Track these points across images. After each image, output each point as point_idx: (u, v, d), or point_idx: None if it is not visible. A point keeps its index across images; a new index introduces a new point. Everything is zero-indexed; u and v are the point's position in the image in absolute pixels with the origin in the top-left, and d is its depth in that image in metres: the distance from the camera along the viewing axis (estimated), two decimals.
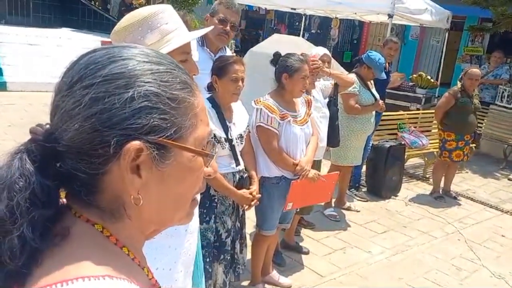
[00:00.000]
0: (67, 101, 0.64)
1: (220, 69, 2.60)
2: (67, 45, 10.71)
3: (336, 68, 5.30)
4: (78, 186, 0.65)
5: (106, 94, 0.62)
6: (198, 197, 0.79)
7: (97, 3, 15.15)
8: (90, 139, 0.62)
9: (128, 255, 0.68)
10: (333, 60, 4.43)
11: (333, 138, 4.01)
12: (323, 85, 3.94)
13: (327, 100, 3.94)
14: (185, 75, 0.70)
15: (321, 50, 3.96)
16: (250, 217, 3.47)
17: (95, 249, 0.64)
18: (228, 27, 2.90)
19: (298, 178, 3.04)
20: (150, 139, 0.63)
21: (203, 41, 2.93)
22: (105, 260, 0.62)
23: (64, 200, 0.68)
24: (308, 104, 3.22)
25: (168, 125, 0.65)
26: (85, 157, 0.63)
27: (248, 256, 3.27)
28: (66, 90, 0.65)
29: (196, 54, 2.71)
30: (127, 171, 0.63)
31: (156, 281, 0.74)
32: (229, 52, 3.07)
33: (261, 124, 2.95)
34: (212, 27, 1.91)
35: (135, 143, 0.62)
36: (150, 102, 0.64)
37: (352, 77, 4.46)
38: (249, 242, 3.45)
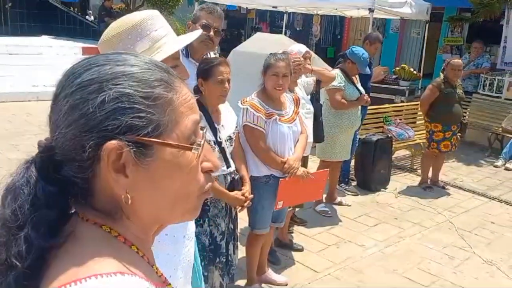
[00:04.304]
0: (54, 112, 0.68)
1: (205, 71, 2.57)
2: (47, 52, 10.60)
3: (321, 64, 5.33)
4: (76, 191, 0.68)
5: (81, 100, 0.65)
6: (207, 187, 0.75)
7: (76, 9, 14.99)
8: (73, 145, 0.65)
9: (138, 253, 0.70)
10: (317, 57, 4.47)
11: (318, 133, 4.03)
12: (305, 82, 3.96)
13: (309, 96, 3.96)
14: (162, 72, 0.70)
15: (302, 48, 3.98)
16: (242, 217, 3.46)
17: (105, 248, 0.65)
18: (211, 33, 2.76)
19: (287, 176, 3.05)
20: (128, 138, 0.65)
21: (187, 51, 2.80)
22: (115, 257, 0.64)
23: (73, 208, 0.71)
24: (296, 102, 3.22)
25: (145, 123, 0.66)
26: (75, 162, 0.66)
27: (241, 256, 3.26)
28: (53, 102, 0.69)
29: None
30: (109, 171, 0.65)
31: (165, 278, 0.75)
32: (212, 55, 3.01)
33: (248, 123, 2.95)
34: (200, 30, 1.87)
35: (112, 143, 0.64)
36: (123, 103, 0.65)
37: (336, 72, 4.49)
38: (240, 243, 3.45)
